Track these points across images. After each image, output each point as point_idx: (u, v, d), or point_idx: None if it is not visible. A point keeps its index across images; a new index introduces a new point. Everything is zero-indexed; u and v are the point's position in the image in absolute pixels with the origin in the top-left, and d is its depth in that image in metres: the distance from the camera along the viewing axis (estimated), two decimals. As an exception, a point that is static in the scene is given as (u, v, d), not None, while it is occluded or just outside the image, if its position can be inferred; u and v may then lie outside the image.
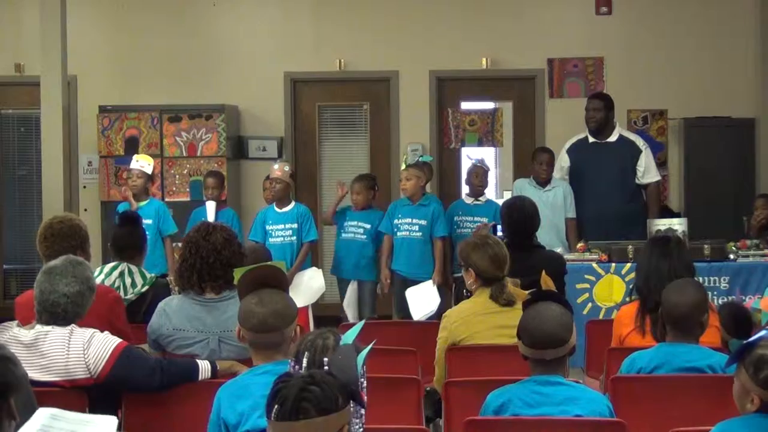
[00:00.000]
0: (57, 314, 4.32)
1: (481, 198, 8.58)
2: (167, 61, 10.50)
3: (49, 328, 4.30)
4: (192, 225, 8.64)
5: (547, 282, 4.11)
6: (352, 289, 8.39)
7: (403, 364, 5.09)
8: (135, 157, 8.59)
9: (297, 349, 3.04)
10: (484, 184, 8.60)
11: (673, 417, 4.07)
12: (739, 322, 5.00)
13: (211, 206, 8.61)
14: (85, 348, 4.23)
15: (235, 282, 3.82)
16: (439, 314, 6.72)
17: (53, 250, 5.12)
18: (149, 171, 8.46)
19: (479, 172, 8.56)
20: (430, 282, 8.03)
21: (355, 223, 8.45)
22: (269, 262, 3.84)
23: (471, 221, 8.44)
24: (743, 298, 7.19)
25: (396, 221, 8.31)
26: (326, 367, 2.52)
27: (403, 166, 8.39)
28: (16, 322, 4.45)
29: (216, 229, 4.79)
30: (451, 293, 8.37)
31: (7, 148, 10.88)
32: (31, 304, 4.47)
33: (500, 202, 8.23)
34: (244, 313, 3.67)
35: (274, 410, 2.43)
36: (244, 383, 3.60)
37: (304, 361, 2.98)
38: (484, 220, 8.31)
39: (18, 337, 4.28)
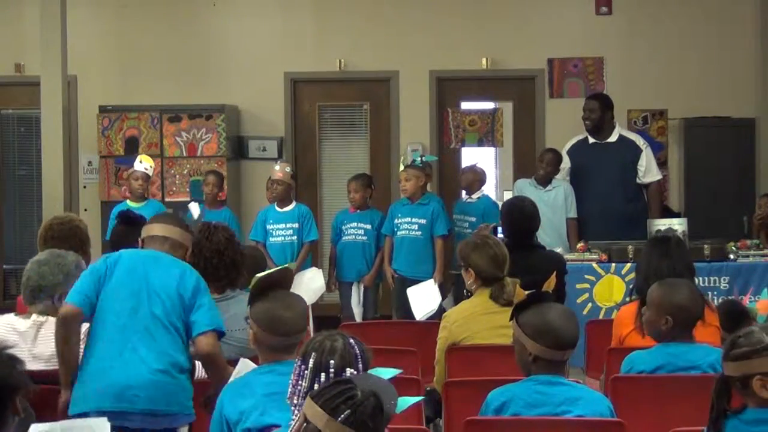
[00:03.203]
0: (33, 288, 4.40)
1: (474, 195, 8.61)
2: (167, 61, 10.50)
3: (44, 318, 4.33)
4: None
5: (550, 283, 4.11)
6: (356, 289, 8.41)
7: (403, 364, 5.07)
8: (139, 158, 8.60)
9: (305, 350, 3.03)
10: (472, 188, 8.62)
11: (673, 417, 4.07)
12: (735, 318, 5.00)
13: (194, 207, 8.56)
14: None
15: (250, 287, 3.79)
16: (439, 313, 6.73)
17: None
18: (151, 173, 8.54)
19: (465, 175, 8.65)
20: (431, 281, 8.03)
21: (354, 224, 8.46)
22: (283, 266, 3.83)
23: (461, 219, 8.51)
24: (740, 297, 7.19)
25: (396, 221, 8.32)
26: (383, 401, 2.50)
27: (402, 167, 8.40)
28: (15, 312, 4.48)
29: (218, 229, 4.81)
30: (452, 291, 8.40)
31: (7, 148, 10.88)
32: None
33: (500, 202, 8.28)
34: (271, 320, 3.62)
35: (343, 414, 2.43)
36: (247, 381, 3.60)
37: (311, 361, 2.98)
38: (473, 218, 8.37)
39: (14, 325, 4.32)
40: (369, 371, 2.67)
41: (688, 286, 4.51)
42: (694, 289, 4.50)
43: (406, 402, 2.54)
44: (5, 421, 2.56)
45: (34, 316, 4.36)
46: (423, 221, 8.25)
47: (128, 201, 8.50)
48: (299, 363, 3.01)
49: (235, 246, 4.77)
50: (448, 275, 8.39)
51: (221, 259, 4.69)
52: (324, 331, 3.11)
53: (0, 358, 2.59)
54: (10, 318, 4.39)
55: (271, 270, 3.75)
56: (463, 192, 8.80)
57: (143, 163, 8.49)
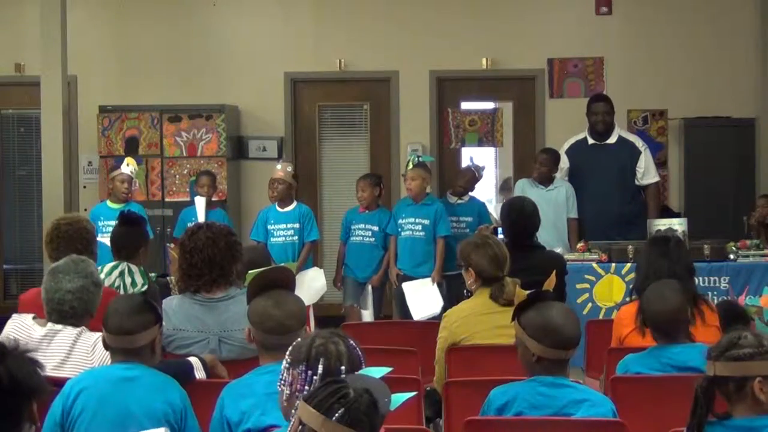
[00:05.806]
0: (65, 312, 4.34)
1: (464, 197, 8.60)
2: (167, 61, 10.50)
3: (60, 327, 4.32)
4: (180, 225, 8.77)
5: (550, 282, 4.10)
6: (367, 292, 8.43)
7: (403, 364, 5.08)
8: (126, 160, 8.57)
9: (308, 355, 2.98)
10: (468, 188, 8.60)
11: (673, 417, 4.07)
12: (733, 318, 4.99)
13: (200, 202, 8.55)
14: (91, 351, 4.24)
15: (246, 284, 3.79)
16: (439, 314, 6.73)
17: (60, 251, 5.14)
18: (134, 177, 8.54)
19: (467, 175, 8.60)
20: (428, 280, 8.04)
21: (362, 225, 8.46)
22: (281, 264, 3.82)
23: (456, 220, 8.49)
24: (735, 297, 7.19)
25: (400, 221, 8.32)
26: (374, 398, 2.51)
27: (410, 166, 8.38)
28: (33, 315, 4.45)
29: (201, 228, 4.79)
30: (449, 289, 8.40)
31: (7, 148, 10.88)
32: (36, 302, 4.50)
33: (500, 203, 8.28)
34: (260, 316, 3.64)
35: (338, 413, 2.43)
36: (248, 382, 3.59)
37: (320, 368, 2.93)
38: (470, 219, 8.37)
39: (31, 329, 4.31)
40: (360, 371, 2.67)
41: (671, 290, 4.46)
42: (673, 293, 4.44)
43: (399, 398, 2.54)
44: (20, 427, 2.51)
45: (50, 325, 4.35)
46: (426, 221, 8.25)
47: (108, 202, 8.45)
48: (304, 368, 2.96)
49: (220, 245, 4.72)
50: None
51: (199, 257, 4.68)
52: (320, 331, 3.06)
53: (22, 360, 2.55)
54: (28, 320, 4.38)
55: (265, 268, 3.75)
56: (448, 193, 8.78)
57: (129, 166, 8.47)
